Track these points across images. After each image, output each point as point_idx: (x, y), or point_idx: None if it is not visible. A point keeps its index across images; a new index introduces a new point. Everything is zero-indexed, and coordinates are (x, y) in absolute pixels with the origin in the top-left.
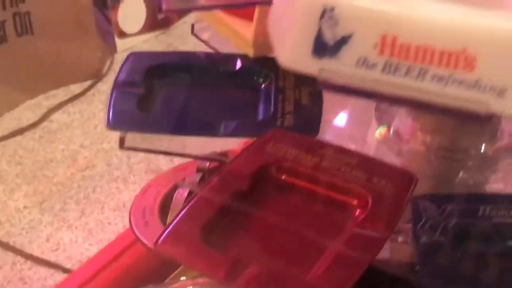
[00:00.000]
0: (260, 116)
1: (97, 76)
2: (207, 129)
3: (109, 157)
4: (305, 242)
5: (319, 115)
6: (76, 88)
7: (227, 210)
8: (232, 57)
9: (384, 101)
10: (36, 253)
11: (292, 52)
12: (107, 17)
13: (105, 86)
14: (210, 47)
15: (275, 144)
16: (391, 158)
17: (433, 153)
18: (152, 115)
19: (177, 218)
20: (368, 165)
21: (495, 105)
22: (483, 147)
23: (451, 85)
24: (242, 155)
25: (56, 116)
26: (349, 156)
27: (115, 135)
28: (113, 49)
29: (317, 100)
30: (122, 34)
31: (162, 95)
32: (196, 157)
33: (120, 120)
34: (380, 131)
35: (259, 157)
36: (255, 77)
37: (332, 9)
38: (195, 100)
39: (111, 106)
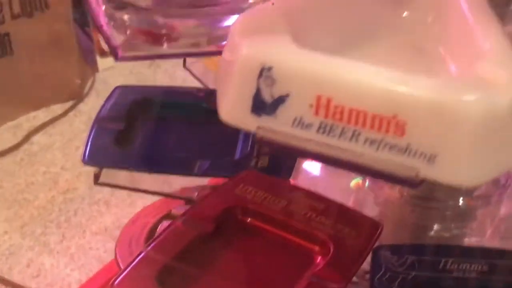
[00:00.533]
0: (237, 156)
1: (79, 96)
2: (182, 167)
3: (90, 180)
4: None
5: (294, 158)
6: (57, 108)
7: (188, 252)
8: (215, 94)
9: (320, 161)
10: (17, 279)
11: (232, 109)
12: (88, 36)
13: (87, 106)
14: (199, 81)
15: (244, 186)
16: (371, 206)
17: (408, 201)
18: (128, 151)
19: (136, 260)
20: (335, 211)
21: (426, 171)
22: (460, 200)
23: (383, 149)
24: (210, 196)
25: (37, 137)
26: (316, 201)
27: None
28: (94, 68)
29: None
30: (104, 53)
31: (141, 131)
32: (168, 196)
33: (96, 156)
34: (355, 182)
35: (227, 199)
36: None
37: (269, 69)
38: (175, 136)
39: (89, 141)
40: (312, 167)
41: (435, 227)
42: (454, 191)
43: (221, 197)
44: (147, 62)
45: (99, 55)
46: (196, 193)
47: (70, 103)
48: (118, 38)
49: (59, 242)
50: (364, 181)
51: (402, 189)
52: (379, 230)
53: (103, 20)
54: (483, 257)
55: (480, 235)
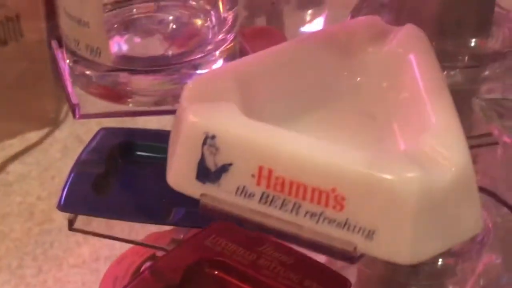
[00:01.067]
0: None
1: (54, 124)
2: (156, 216)
3: None
4: None
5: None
6: (32, 136)
7: None
8: None
9: (262, 231)
10: None
11: (178, 174)
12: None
13: (62, 133)
14: None
15: (216, 238)
16: None
17: None
18: (104, 198)
19: None
20: (304, 266)
21: (364, 246)
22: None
23: (323, 223)
24: (181, 247)
25: (12, 167)
26: (286, 255)
27: None
28: None
29: None
30: None
31: (120, 176)
32: (142, 245)
33: (73, 202)
34: None
35: (197, 250)
36: None
37: (213, 137)
38: (153, 182)
39: (66, 187)
40: None
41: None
42: None
43: (191, 248)
44: None
45: None
46: (181, 236)
47: (45, 131)
48: (79, 95)
49: (36, 276)
50: None
51: None
52: (347, 287)
53: (67, 76)
54: None
55: None
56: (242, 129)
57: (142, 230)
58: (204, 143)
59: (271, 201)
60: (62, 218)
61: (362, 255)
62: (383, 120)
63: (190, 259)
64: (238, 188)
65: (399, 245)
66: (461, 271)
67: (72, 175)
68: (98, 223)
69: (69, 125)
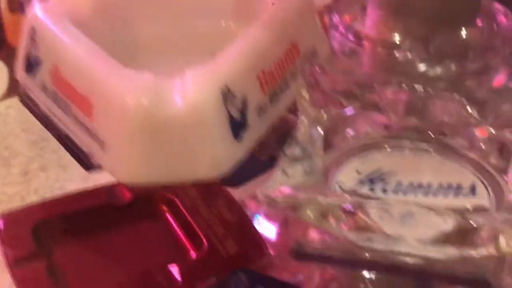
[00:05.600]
0: None
1: None
2: None
3: None
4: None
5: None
6: None
7: (86, 216)
8: None
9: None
10: None
11: (18, 65)
12: None
13: None
14: None
15: None
16: None
17: None
18: None
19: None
20: (238, 226)
21: (99, 156)
22: None
23: (81, 128)
24: None
25: None
26: (233, 213)
27: None
28: None
29: None
30: None
31: None
32: None
33: None
34: None
35: None
36: None
37: (34, 31)
38: None
39: None
40: None
41: None
42: None
43: None
44: None
45: None
46: None
47: None
48: None
49: None
50: None
51: None
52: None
53: None
54: None
55: None
56: (53, 28)
57: None
58: (30, 36)
59: (58, 101)
60: None
61: (99, 166)
62: None
63: (145, 189)
64: (43, 84)
65: (121, 162)
66: None
67: None
68: None
69: None
